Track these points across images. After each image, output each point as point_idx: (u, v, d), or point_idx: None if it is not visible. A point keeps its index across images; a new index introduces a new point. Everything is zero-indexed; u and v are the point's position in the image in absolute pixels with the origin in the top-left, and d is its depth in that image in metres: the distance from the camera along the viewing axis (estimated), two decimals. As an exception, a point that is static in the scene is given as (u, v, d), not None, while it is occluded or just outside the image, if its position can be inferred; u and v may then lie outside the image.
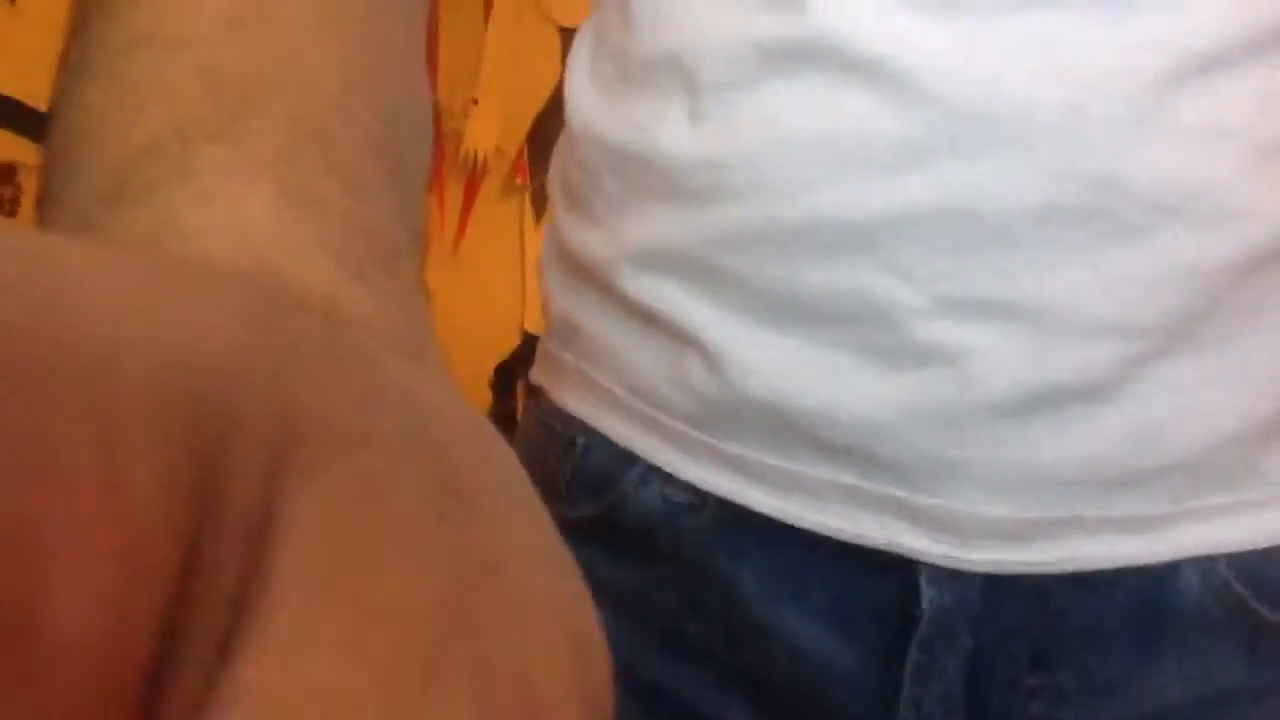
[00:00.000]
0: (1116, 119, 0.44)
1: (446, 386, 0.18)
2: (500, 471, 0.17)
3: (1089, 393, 0.45)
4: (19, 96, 2.35)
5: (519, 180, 2.24)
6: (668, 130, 0.49)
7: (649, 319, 0.51)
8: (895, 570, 0.48)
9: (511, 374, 2.08)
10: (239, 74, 0.25)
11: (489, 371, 2.19)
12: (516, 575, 0.15)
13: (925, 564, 0.48)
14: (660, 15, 0.49)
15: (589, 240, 0.53)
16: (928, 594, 0.48)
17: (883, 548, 0.48)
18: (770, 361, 0.48)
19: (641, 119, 0.50)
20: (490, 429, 0.18)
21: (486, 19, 2.27)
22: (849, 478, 0.48)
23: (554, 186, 0.58)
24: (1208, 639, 0.48)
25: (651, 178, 0.50)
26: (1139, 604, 0.48)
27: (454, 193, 2.28)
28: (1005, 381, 0.45)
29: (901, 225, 0.45)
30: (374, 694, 0.12)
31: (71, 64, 0.28)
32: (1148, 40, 0.44)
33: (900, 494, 0.47)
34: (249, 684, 0.12)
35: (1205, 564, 0.48)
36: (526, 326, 2.09)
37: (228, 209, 0.21)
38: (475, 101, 2.24)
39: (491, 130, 2.24)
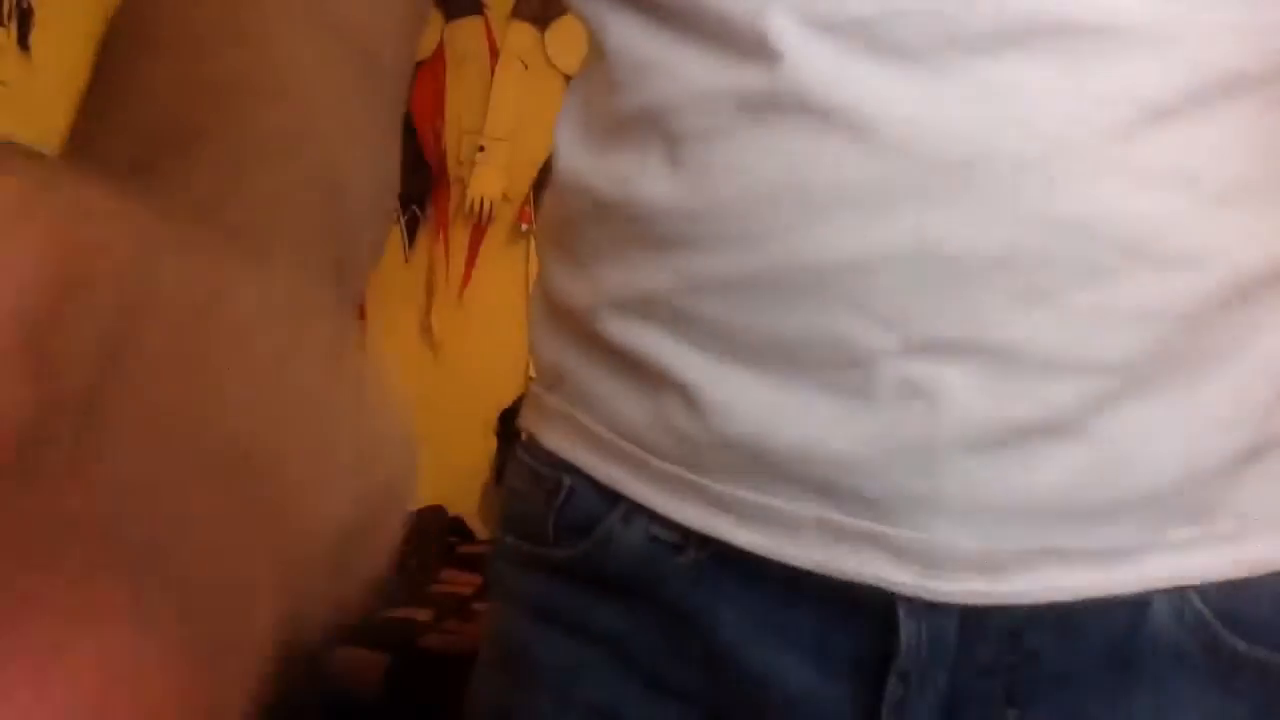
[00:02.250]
0: (1076, 167, 0.45)
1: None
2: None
3: (1056, 429, 0.46)
4: (32, 144, 2.37)
5: (524, 226, 2.26)
6: (647, 180, 0.51)
7: (629, 362, 0.52)
8: (873, 606, 0.49)
9: (516, 419, 2.09)
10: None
11: (494, 417, 2.20)
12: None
13: (902, 597, 0.48)
14: (639, 70, 0.51)
15: (572, 288, 0.55)
16: (905, 627, 0.48)
17: (860, 581, 0.49)
18: (747, 401, 0.49)
19: (622, 170, 0.52)
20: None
21: (493, 68, 2.29)
22: (827, 512, 0.49)
23: (541, 236, 0.60)
24: (1182, 673, 0.49)
25: (631, 226, 0.51)
26: (1113, 641, 0.49)
27: (460, 239, 2.30)
28: (975, 418, 0.46)
29: (872, 270, 0.46)
30: None
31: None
32: (1104, 92, 0.45)
33: (877, 527, 0.48)
34: None
35: (1177, 597, 0.49)
36: (531, 372, 2.10)
37: None
38: (481, 149, 2.26)
39: (497, 177, 2.26)
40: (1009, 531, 0.47)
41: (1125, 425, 0.46)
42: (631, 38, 0.51)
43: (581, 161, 0.54)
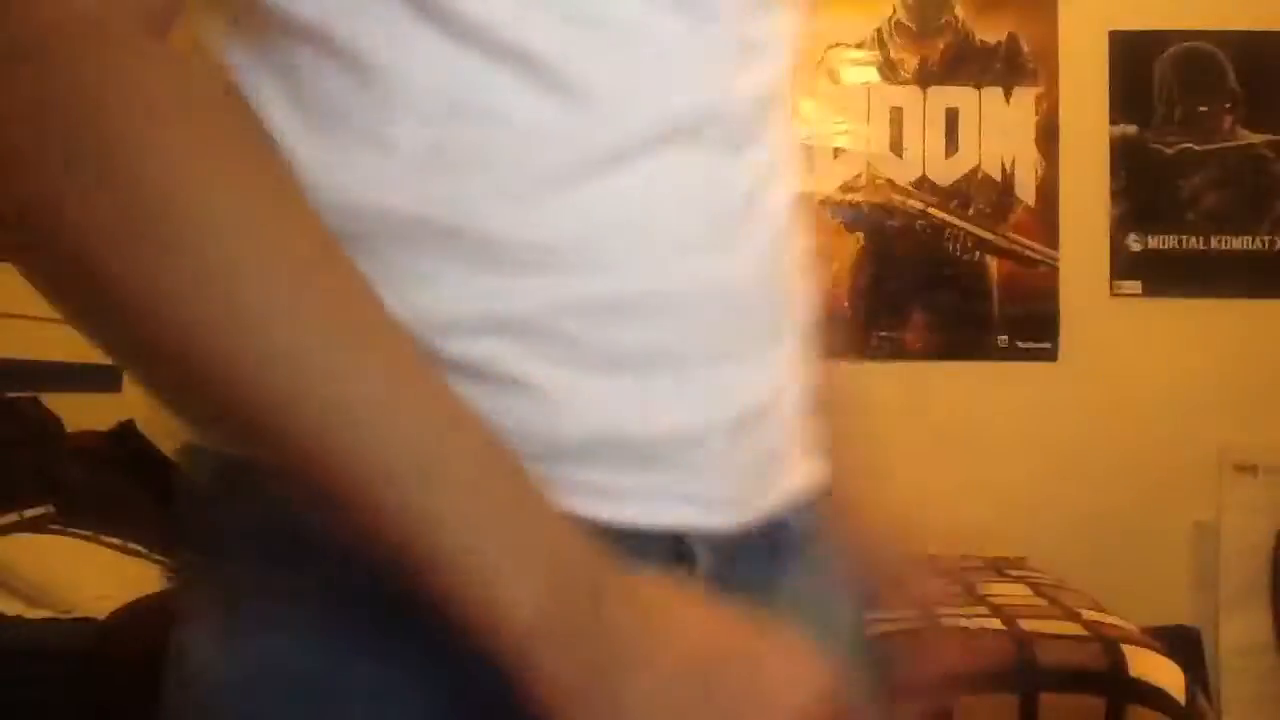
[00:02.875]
0: (720, 238, 0.65)
1: None
2: None
3: (765, 411, 0.68)
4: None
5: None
6: (491, 207, 0.57)
7: (467, 373, 0.57)
8: (673, 543, 0.64)
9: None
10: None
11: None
12: None
13: (699, 534, 0.64)
14: (463, 109, 0.57)
15: None
16: (700, 554, 0.65)
17: (669, 528, 0.63)
18: (591, 400, 0.60)
19: (447, 193, 0.57)
20: None
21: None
22: (649, 480, 0.62)
23: None
24: (818, 543, 0.75)
25: (465, 249, 0.57)
26: (800, 523, 0.72)
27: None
28: (738, 408, 0.66)
29: (684, 297, 0.62)
30: None
31: None
32: (746, 168, 0.65)
33: (690, 488, 0.64)
34: None
35: (807, 502, 0.73)
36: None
37: None
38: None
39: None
40: (745, 485, 0.67)
41: (784, 404, 0.70)
42: (436, 72, 0.57)
43: (362, 183, 0.57)
